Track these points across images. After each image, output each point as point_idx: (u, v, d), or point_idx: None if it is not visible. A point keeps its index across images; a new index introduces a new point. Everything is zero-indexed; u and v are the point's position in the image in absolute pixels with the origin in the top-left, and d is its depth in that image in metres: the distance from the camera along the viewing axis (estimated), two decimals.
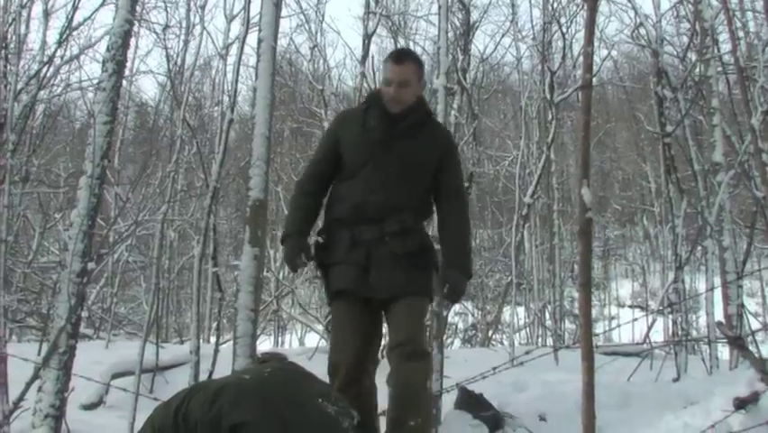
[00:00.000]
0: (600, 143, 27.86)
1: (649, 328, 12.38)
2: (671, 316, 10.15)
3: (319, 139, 5.41)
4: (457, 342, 19.98)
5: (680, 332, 9.08)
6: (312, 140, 19.27)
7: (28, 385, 5.44)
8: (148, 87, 72.38)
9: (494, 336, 18.51)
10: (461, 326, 21.84)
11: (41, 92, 11.01)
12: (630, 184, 32.75)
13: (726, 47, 10.11)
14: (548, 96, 14.54)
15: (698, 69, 9.69)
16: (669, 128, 8.86)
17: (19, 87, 9.35)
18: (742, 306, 8.35)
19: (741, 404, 4.37)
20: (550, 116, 14.97)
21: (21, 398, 5.33)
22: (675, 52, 11.95)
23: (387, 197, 4.29)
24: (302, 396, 3.25)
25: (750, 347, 6.52)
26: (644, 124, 19.52)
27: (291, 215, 4.65)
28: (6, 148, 7.58)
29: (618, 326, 20.31)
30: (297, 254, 4.42)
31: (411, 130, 4.39)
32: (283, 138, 20.21)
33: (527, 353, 6.17)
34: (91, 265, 5.90)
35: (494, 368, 5.28)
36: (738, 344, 6.06)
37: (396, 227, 4.28)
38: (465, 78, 12.75)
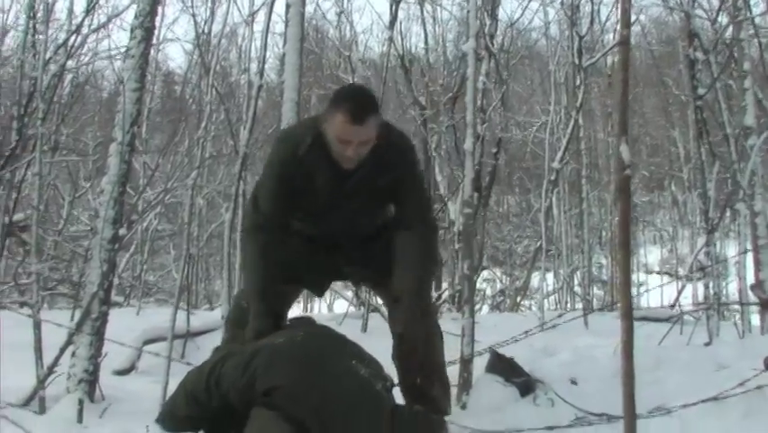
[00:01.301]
0: (628, 109, 27.60)
1: (679, 293, 12.34)
2: (701, 281, 10.09)
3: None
4: (485, 308, 19.98)
5: (711, 296, 9.02)
6: None
7: (62, 351, 5.49)
8: (175, 54, 72.49)
9: (522, 303, 18.53)
10: (489, 292, 21.84)
11: (69, 61, 11.03)
12: (658, 150, 32.33)
13: (757, 9, 9.95)
14: (576, 61, 14.41)
15: (729, 32, 9.57)
16: (701, 91, 8.75)
17: (47, 56, 9.38)
18: None
19: None
20: (578, 81, 14.84)
21: (55, 363, 5.39)
22: (706, 15, 11.79)
23: (348, 230, 3.92)
24: (335, 359, 3.27)
25: None
26: (673, 89, 19.37)
27: (261, 280, 3.78)
28: (36, 116, 7.62)
29: (647, 291, 20.20)
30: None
31: (366, 177, 3.68)
32: (310, 105, 20.10)
33: (559, 316, 6.16)
34: (122, 232, 5.94)
35: (525, 332, 5.28)
36: None
37: (357, 241, 3.94)
38: (493, 44, 12.64)
